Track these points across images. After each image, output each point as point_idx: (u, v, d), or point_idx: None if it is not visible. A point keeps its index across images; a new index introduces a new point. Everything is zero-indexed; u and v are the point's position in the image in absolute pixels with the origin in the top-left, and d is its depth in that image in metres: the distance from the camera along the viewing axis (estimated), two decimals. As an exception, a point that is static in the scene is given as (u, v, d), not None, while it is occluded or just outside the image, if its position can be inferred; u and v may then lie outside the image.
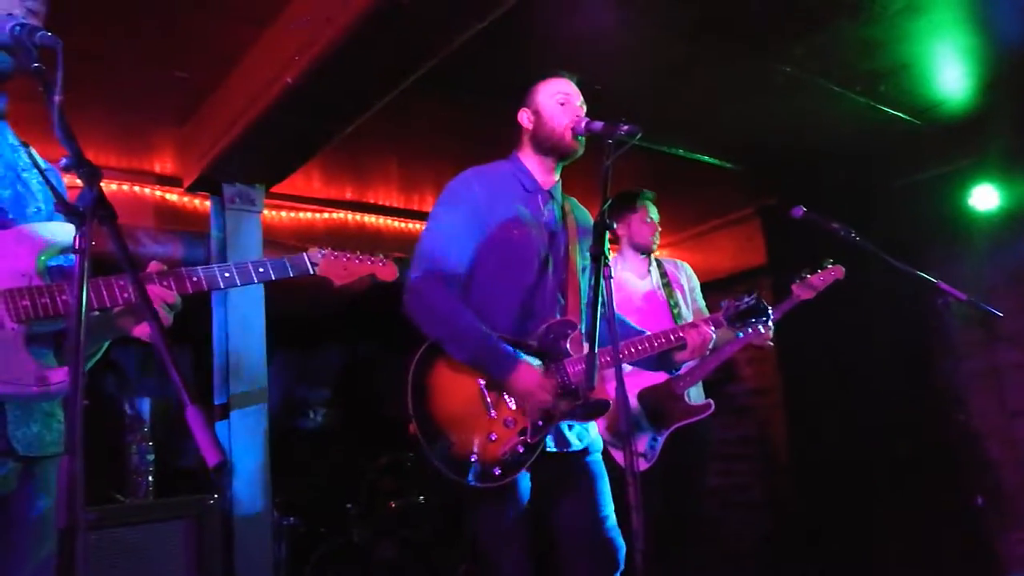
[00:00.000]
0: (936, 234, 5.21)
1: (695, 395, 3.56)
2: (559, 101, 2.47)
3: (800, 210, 3.33)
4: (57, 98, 1.33)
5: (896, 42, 3.83)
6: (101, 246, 1.25)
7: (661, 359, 2.62)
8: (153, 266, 1.78)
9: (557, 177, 2.59)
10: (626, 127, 2.10)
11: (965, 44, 3.96)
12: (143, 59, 3.64)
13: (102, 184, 1.31)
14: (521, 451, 2.24)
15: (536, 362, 2.31)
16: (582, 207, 2.73)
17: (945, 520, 4.70)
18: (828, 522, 5.24)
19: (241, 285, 1.83)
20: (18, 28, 1.47)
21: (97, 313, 1.71)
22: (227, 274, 1.80)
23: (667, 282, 3.73)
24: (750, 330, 2.68)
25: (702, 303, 3.86)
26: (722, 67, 4.00)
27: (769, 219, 6.15)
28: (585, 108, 2.52)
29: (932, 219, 5.27)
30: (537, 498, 2.37)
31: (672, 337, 2.51)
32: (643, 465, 3.38)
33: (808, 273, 3.34)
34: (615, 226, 3.69)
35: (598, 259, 1.95)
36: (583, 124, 2.37)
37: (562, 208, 2.59)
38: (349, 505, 4.94)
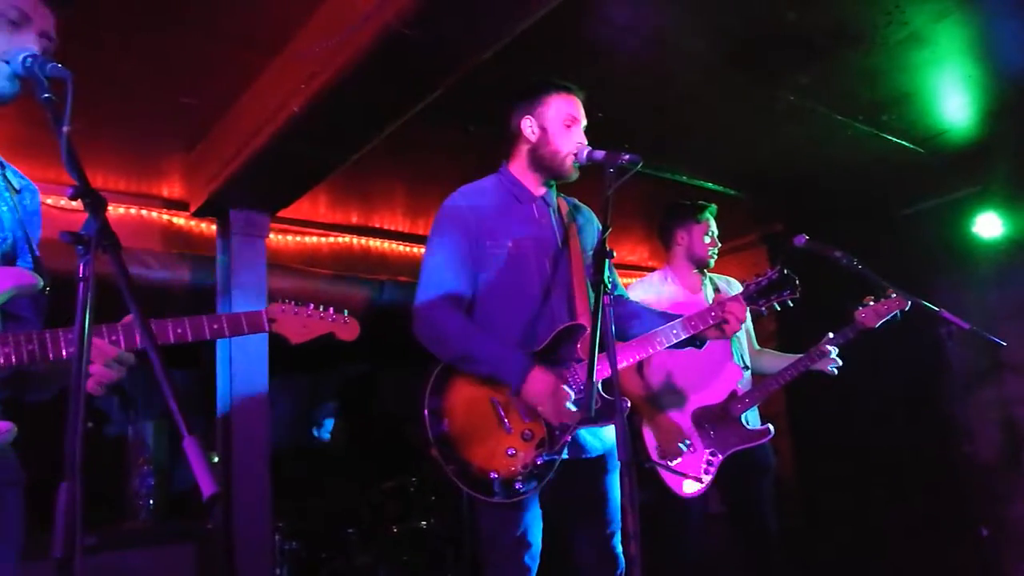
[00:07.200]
0: (940, 262, 5.21)
1: (751, 419, 3.42)
2: (566, 124, 2.46)
3: (803, 238, 3.32)
4: (65, 128, 1.36)
5: (899, 71, 3.85)
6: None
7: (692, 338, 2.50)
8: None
9: (551, 187, 2.57)
10: (627, 156, 2.09)
11: (967, 73, 3.98)
12: (152, 85, 3.69)
13: (109, 208, 1.32)
14: (540, 462, 2.22)
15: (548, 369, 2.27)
16: (581, 205, 2.69)
17: (952, 551, 4.64)
18: (834, 550, 5.19)
19: (193, 340, 1.73)
20: (30, 59, 1.53)
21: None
22: (179, 330, 1.71)
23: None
24: (776, 305, 2.55)
25: (750, 323, 3.74)
26: (727, 95, 4.04)
27: (774, 246, 6.17)
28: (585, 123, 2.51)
29: (936, 247, 5.27)
30: (550, 504, 2.34)
31: (712, 316, 2.41)
32: (694, 489, 3.23)
33: (872, 300, 3.27)
34: (674, 232, 3.64)
35: (598, 287, 1.94)
36: (584, 152, 2.37)
37: (559, 211, 2.57)
38: (351, 529, 4.92)
